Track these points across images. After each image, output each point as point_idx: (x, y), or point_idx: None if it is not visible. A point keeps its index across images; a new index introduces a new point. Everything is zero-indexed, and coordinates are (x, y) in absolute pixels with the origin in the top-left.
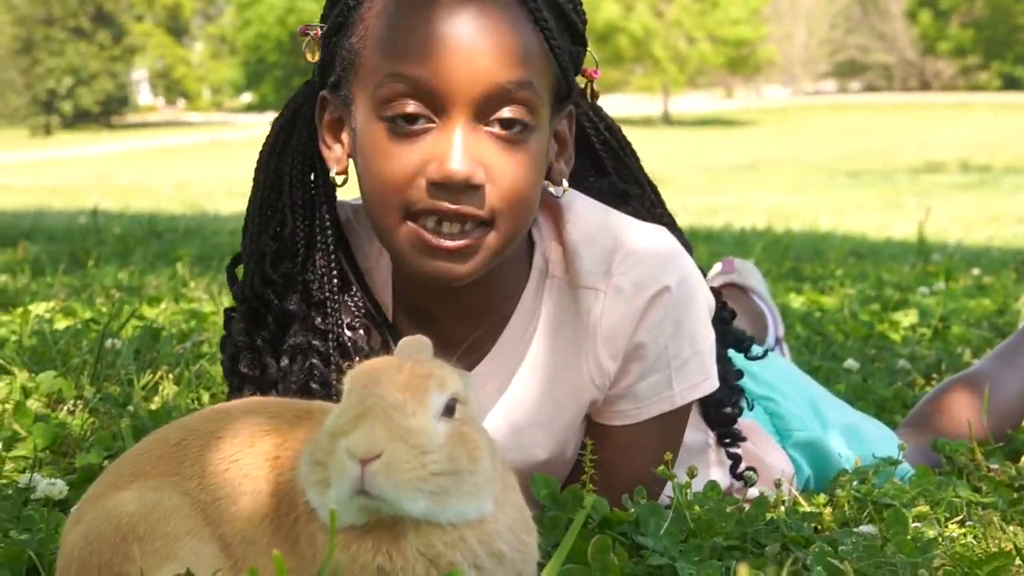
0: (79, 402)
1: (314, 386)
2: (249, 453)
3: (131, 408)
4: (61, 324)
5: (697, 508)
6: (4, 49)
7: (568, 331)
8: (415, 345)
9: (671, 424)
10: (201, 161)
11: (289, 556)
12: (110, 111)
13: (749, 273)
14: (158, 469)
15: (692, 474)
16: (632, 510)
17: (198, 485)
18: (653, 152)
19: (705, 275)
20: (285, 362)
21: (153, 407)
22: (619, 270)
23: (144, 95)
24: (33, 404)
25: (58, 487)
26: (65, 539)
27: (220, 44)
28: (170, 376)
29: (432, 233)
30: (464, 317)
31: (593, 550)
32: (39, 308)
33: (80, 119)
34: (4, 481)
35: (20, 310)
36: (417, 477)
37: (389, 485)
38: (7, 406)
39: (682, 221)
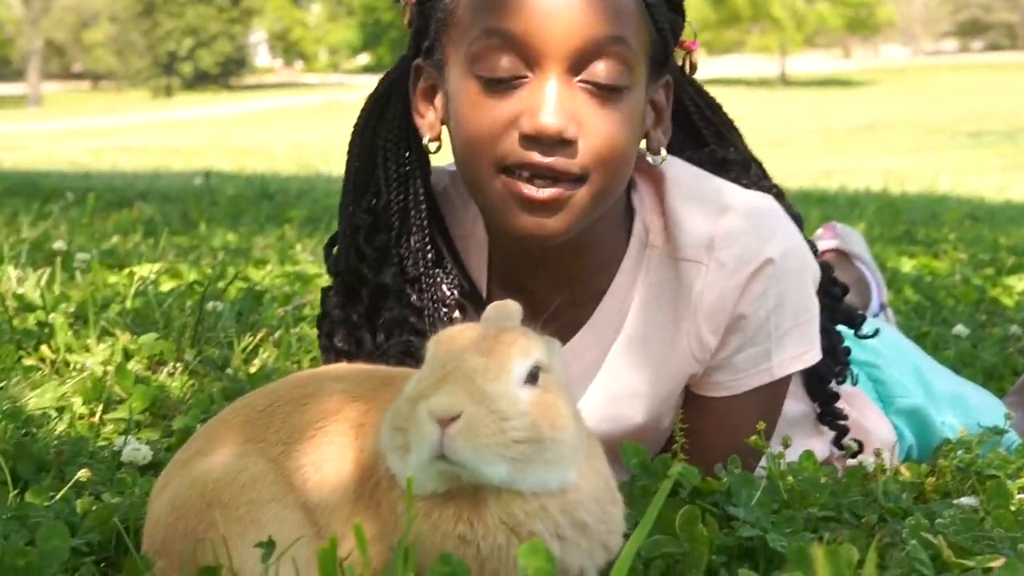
0: (179, 364)
1: (411, 361)
2: (334, 420)
3: (230, 371)
4: (166, 286)
5: (791, 478)
6: (127, 12)
7: (668, 304)
8: (504, 311)
9: (769, 396)
10: (317, 122)
11: (371, 523)
12: (229, 73)
13: (851, 238)
14: (244, 435)
15: (786, 444)
16: (725, 480)
17: (283, 452)
18: (769, 113)
19: (814, 246)
20: (381, 337)
21: (252, 370)
22: (722, 243)
23: (262, 57)
24: (135, 366)
25: (142, 452)
26: (152, 504)
27: (337, 5)
28: (271, 339)
29: (524, 183)
30: (560, 287)
31: (681, 521)
32: (144, 270)
33: (199, 81)
34: (103, 443)
35: (126, 271)
36: (497, 442)
37: (468, 449)
38: (109, 368)
39: (796, 183)
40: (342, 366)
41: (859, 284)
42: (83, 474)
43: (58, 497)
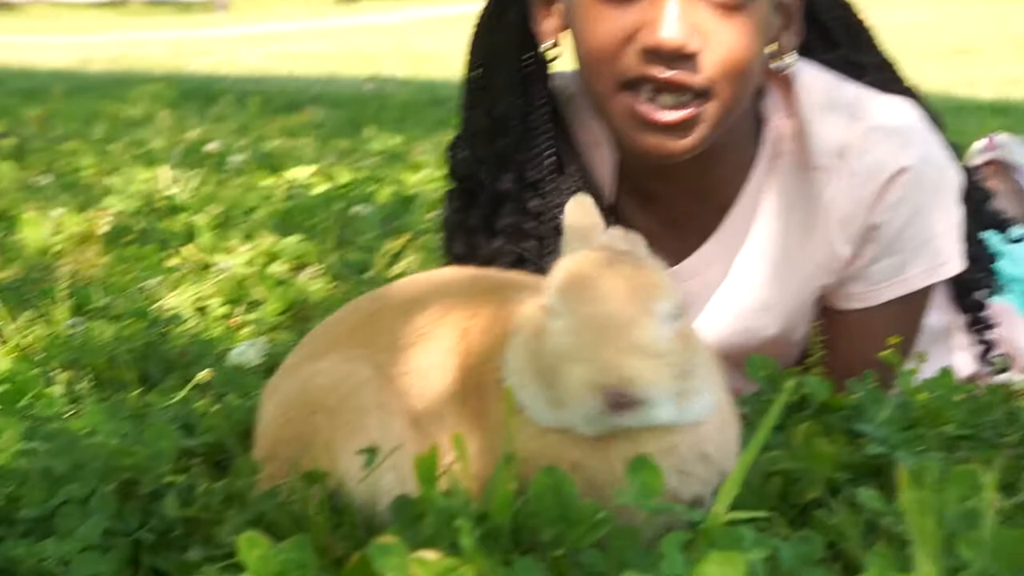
0: (321, 267)
1: (528, 266)
2: (440, 326)
3: (371, 274)
4: (318, 189)
5: (924, 395)
6: None
7: (798, 213)
8: (627, 242)
9: (907, 309)
10: None
11: (476, 435)
12: None
13: (1013, 149)
14: (352, 340)
15: (922, 359)
16: (856, 395)
17: (389, 358)
18: (956, 19)
19: (960, 152)
20: (498, 242)
21: (392, 275)
22: (855, 151)
23: None
24: (277, 269)
25: (247, 356)
26: (262, 409)
27: None
28: (416, 243)
29: (648, 104)
30: (690, 197)
31: (800, 437)
32: (296, 173)
33: None
34: (236, 344)
35: (279, 175)
36: (664, 387)
37: (640, 404)
38: (251, 270)
39: (982, 92)
40: (450, 270)
41: (1019, 196)
42: (206, 375)
43: (178, 398)
